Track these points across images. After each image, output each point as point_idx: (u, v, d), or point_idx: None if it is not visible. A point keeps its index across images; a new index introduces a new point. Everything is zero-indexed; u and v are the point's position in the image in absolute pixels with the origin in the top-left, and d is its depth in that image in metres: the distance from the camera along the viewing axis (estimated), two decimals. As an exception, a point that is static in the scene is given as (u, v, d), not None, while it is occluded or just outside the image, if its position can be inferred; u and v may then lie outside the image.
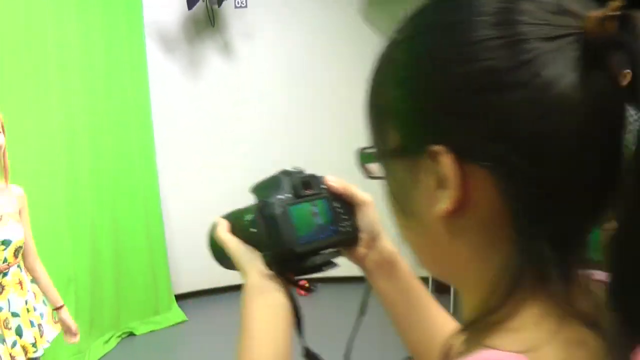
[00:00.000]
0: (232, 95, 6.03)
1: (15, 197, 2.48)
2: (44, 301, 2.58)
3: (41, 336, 2.48)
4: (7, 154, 2.46)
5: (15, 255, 2.42)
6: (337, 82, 6.05)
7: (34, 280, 2.60)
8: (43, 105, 4.19)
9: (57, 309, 2.63)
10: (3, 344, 2.39)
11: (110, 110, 4.93)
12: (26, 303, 2.44)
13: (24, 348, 2.43)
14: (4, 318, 2.38)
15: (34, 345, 2.43)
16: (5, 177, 2.47)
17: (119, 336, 4.94)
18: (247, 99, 6.06)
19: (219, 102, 6.00)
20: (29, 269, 2.59)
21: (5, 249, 2.36)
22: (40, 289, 2.60)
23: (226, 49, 5.96)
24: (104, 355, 4.60)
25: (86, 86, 4.65)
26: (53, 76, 4.27)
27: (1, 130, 2.39)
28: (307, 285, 5.38)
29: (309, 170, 0.92)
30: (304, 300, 3.69)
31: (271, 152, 6.10)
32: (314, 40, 6.08)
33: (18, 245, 2.41)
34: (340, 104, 6.05)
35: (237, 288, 4.56)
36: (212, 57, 5.94)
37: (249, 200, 0.89)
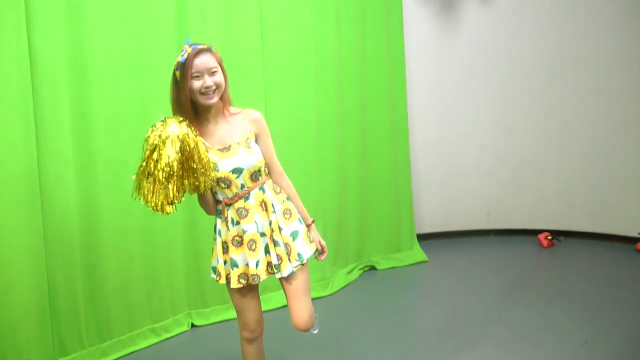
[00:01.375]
0: (485, 41, 5.83)
1: (249, 122, 2.55)
2: (299, 220, 2.64)
3: (289, 255, 2.53)
4: (228, 88, 2.53)
5: (254, 179, 2.52)
6: (596, 37, 5.58)
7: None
8: (303, 52, 4.46)
9: (307, 225, 2.67)
10: (237, 268, 2.54)
11: (364, 55, 5.04)
12: (270, 224, 2.53)
13: (269, 266, 2.56)
14: (249, 239, 2.52)
15: (276, 267, 2.51)
16: (225, 110, 2.53)
17: (361, 269, 5.14)
18: (500, 46, 5.83)
19: (471, 47, 5.83)
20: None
21: (238, 177, 2.48)
22: None
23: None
24: (346, 285, 4.82)
25: (340, 29, 4.80)
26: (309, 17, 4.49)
27: (220, 69, 2.45)
28: (550, 237, 5.22)
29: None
30: (546, 252, 3.55)
31: (520, 103, 5.86)
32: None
33: (253, 170, 2.50)
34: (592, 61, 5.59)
35: (477, 233, 4.56)
36: (467, 2, 5.79)
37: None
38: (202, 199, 2.56)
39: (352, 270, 5.00)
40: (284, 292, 2.64)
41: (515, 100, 5.87)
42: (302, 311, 2.60)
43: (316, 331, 2.77)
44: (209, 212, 2.63)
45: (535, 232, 5.88)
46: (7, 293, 3.17)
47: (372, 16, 5.07)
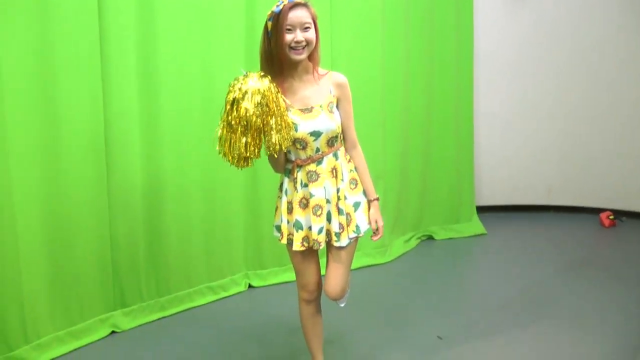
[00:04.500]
0: (555, 11, 5.63)
1: (333, 85, 2.49)
2: (363, 192, 2.59)
3: (348, 225, 2.49)
4: (319, 47, 2.45)
5: (330, 144, 2.46)
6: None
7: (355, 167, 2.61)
8: (370, 10, 4.38)
9: (369, 201, 2.61)
10: (301, 230, 2.49)
11: (432, 15, 4.94)
12: (338, 191, 2.48)
13: (328, 234, 2.51)
14: (315, 204, 2.47)
15: (336, 235, 2.48)
16: (315, 70, 2.47)
17: (419, 237, 5.07)
18: (569, 18, 5.61)
19: (540, 15, 5.64)
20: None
21: (315, 140, 2.42)
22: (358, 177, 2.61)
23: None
24: (404, 253, 4.76)
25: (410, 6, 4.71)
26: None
27: (313, 26, 2.37)
28: (612, 216, 5.01)
29: None
30: (608, 232, 3.39)
31: (588, 79, 5.64)
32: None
33: (331, 136, 2.45)
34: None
35: (537, 209, 4.42)
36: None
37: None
38: (272, 156, 2.48)
39: (410, 239, 4.93)
40: (328, 258, 2.60)
41: (583, 75, 5.63)
42: (338, 280, 2.58)
43: (343, 304, 2.79)
44: (276, 170, 2.59)
45: (596, 211, 5.70)
46: (71, 245, 3.20)
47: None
